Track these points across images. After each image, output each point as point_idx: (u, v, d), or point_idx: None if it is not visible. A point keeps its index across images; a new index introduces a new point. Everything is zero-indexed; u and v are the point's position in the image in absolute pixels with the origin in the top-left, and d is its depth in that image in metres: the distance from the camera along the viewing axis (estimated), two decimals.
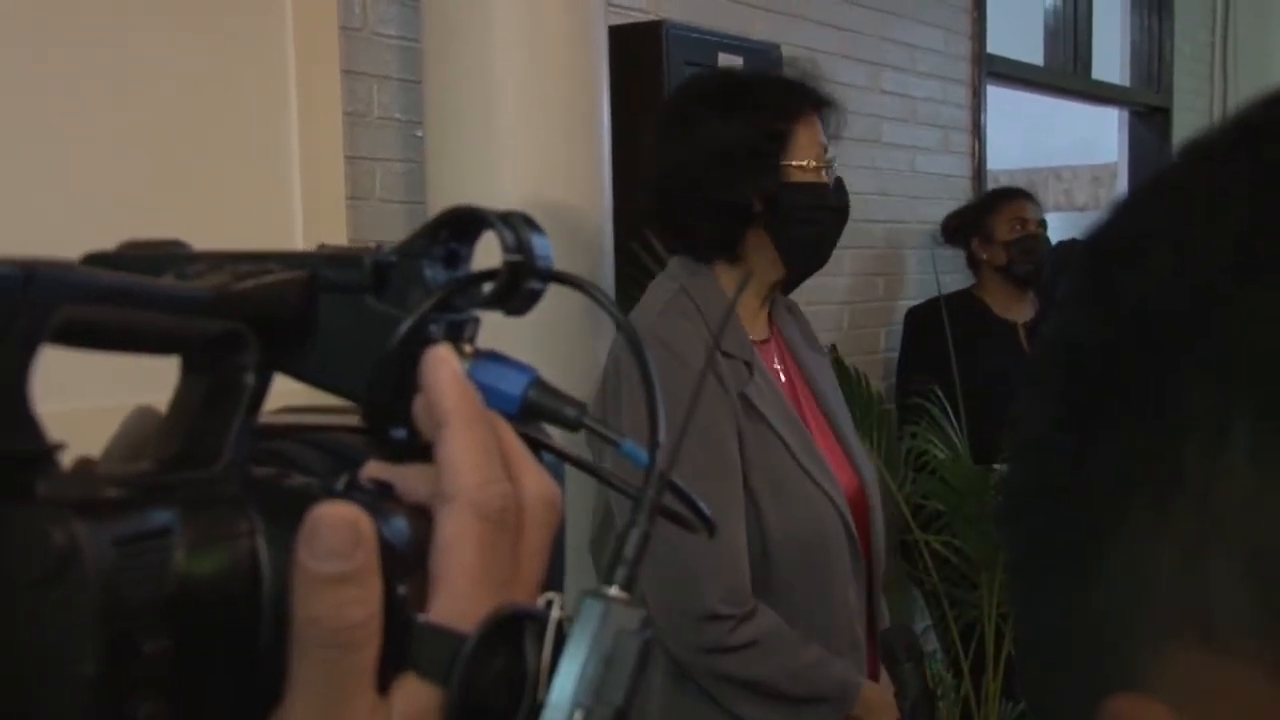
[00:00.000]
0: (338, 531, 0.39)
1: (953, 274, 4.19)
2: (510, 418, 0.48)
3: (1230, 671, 0.30)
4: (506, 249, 0.47)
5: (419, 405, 0.45)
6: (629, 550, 0.45)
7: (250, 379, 0.45)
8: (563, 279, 0.49)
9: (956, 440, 3.04)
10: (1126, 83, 5.80)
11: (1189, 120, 5.87)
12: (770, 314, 2.00)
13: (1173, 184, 0.35)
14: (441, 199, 2.34)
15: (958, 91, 4.42)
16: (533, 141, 2.32)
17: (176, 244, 0.50)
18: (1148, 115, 5.87)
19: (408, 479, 0.45)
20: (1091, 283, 0.35)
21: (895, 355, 3.89)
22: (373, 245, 0.51)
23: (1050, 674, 0.36)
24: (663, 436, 0.47)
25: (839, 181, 1.96)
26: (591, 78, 2.40)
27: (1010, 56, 4.85)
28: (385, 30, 2.51)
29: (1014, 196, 3.65)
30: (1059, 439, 0.35)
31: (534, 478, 0.45)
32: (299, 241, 2.27)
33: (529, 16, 2.31)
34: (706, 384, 1.74)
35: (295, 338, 0.47)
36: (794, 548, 1.82)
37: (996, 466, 3.15)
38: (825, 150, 1.95)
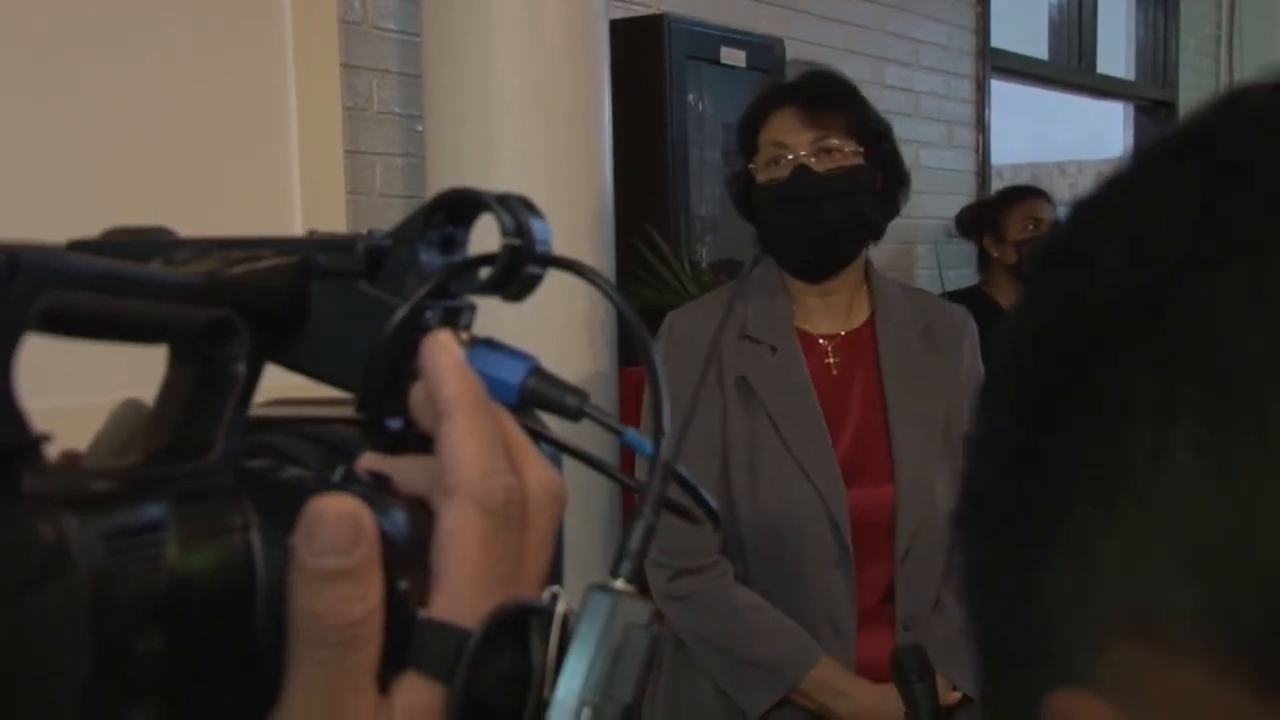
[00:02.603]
0: (338, 525, 0.38)
1: (958, 269, 4.18)
2: (509, 407, 0.46)
3: (1172, 668, 0.30)
4: (505, 232, 0.46)
5: (417, 394, 0.44)
6: (634, 543, 0.43)
7: (241, 368, 0.43)
8: (563, 264, 0.48)
9: None
10: (1132, 77, 5.79)
11: None
12: (876, 307, 2.00)
13: (1123, 184, 0.35)
14: None
15: (962, 86, 4.40)
16: (533, 136, 2.31)
17: (162, 231, 0.49)
18: (1153, 110, 5.85)
19: (405, 470, 0.44)
20: (1042, 282, 0.36)
21: None
22: (366, 231, 0.49)
23: (998, 669, 0.36)
24: (668, 426, 0.46)
25: (798, 169, 1.91)
26: (592, 71, 2.39)
27: (1015, 51, 4.84)
28: (385, 24, 2.49)
29: (1028, 195, 3.61)
30: (1008, 437, 0.35)
31: (537, 469, 0.43)
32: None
33: (530, 10, 2.30)
34: (696, 358, 1.87)
35: (287, 325, 0.46)
36: (765, 526, 1.88)
37: None
38: (785, 143, 1.93)
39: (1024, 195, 3.60)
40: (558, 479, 0.44)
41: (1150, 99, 5.82)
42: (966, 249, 4.25)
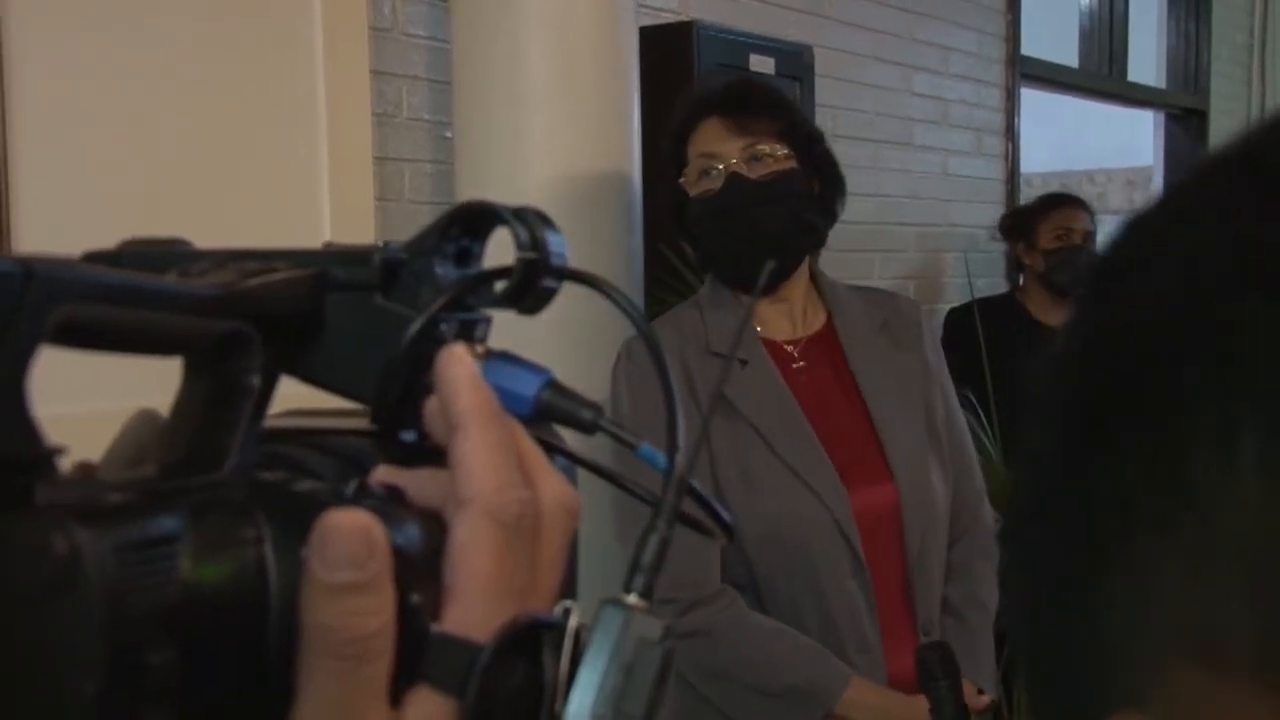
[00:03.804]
0: (350, 539, 0.38)
1: (987, 277, 4.16)
2: (523, 420, 0.46)
3: (1232, 691, 0.29)
4: (520, 246, 0.46)
5: (431, 406, 0.44)
6: (647, 557, 0.43)
7: (255, 381, 0.44)
8: (578, 277, 0.48)
9: (990, 446, 3.01)
10: (1162, 85, 5.75)
11: (1226, 123, 5.81)
12: (832, 313, 1.97)
13: (1178, 199, 0.35)
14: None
15: (991, 94, 4.38)
16: (562, 143, 2.31)
17: (179, 242, 0.49)
18: (1184, 118, 5.81)
19: (419, 483, 0.44)
20: (1096, 297, 0.35)
21: None
22: (381, 243, 0.49)
23: (1051, 691, 0.36)
24: (682, 440, 0.46)
25: (731, 177, 1.87)
26: (622, 79, 2.40)
27: (1045, 59, 4.81)
28: (415, 30, 2.50)
29: (1064, 204, 3.56)
30: (1060, 455, 0.34)
31: (551, 482, 0.43)
32: None
33: (559, 17, 2.31)
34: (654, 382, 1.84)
35: (302, 337, 0.46)
36: (771, 542, 1.82)
37: None
38: (714, 153, 1.89)
39: (1060, 204, 3.56)
40: (572, 493, 0.44)
41: (1181, 107, 5.77)
42: (996, 257, 4.24)
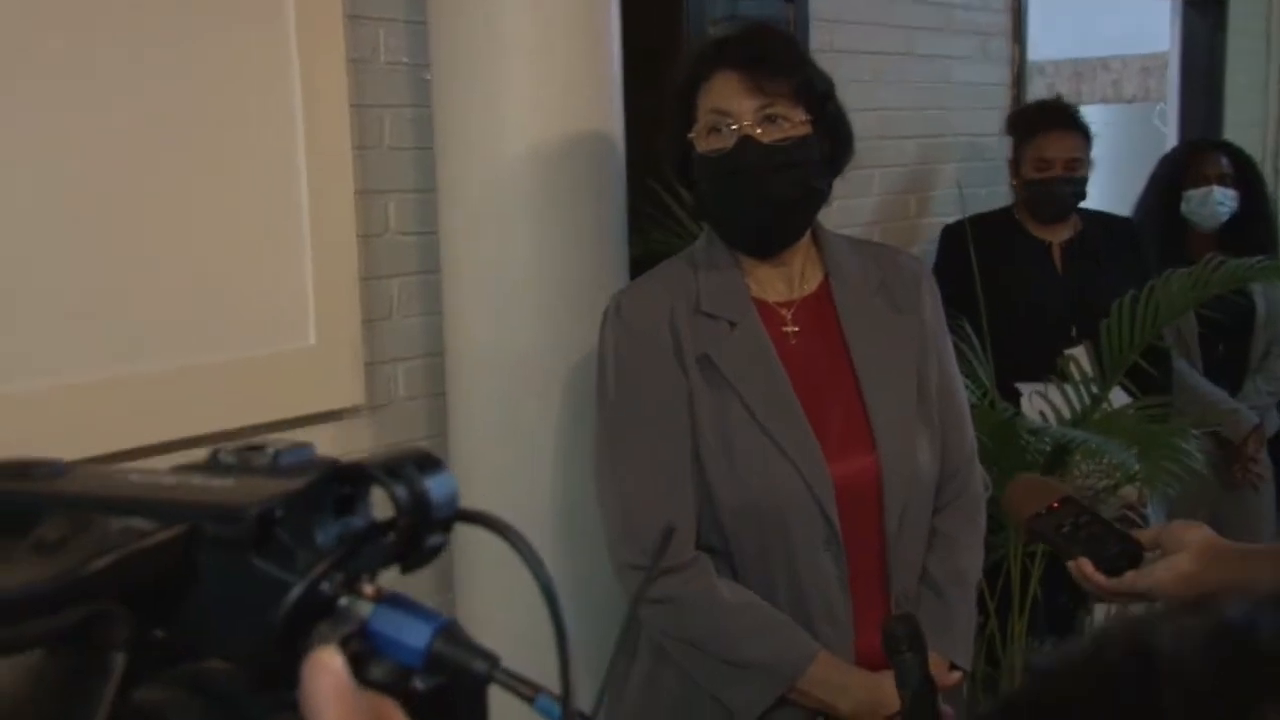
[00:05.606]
0: None
1: (991, 186, 4.07)
2: (414, 671, 0.44)
3: None
4: (400, 510, 0.43)
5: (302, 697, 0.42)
6: None
7: (119, 657, 0.41)
8: (469, 519, 0.45)
9: (984, 377, 2.98)
10: None
11: (1245, 8, 5.64)
12: (829, 272, 1.92)
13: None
14: (451, 145, 2.28)
15: None
16: (543, 84, 2.25)
17: (45, 465, 0.46)
18: (1201, 4, 5.64)
19: None
20: None
21: None
22: (270, 451, 0.47)
23: None
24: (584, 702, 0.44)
25: (742, 140, 1.81)
26: (603, 15, 2.32)
27: None
28: None
29: (1051, 127, 3.39)
30: None
31: None
32: (304, 196, 2.21)
33: None
34: (653, 340, 1.85)
35: (171, 600, 0.43)
36: (747, 511, 1.81)
37: (1019, 386, 3.11)
38: (727, 111, 1.83)
39: (1049, 127, 3.38)
40: None
41: None
42: (1000, 165, 4.15)
